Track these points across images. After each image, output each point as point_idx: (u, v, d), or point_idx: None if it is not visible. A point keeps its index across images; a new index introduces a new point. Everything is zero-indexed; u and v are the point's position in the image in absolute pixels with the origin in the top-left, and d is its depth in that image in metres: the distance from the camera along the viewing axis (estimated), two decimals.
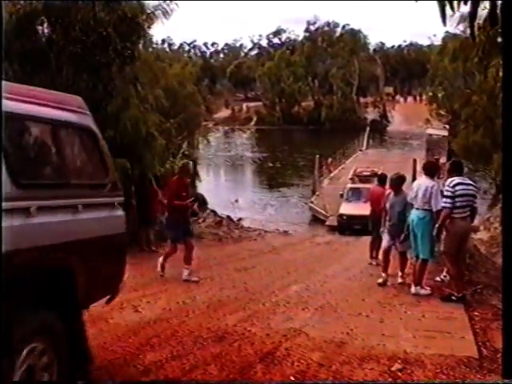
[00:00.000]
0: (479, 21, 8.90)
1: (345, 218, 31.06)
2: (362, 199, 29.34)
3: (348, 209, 31.22)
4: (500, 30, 5.25)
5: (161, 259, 12.38)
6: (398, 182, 11.85)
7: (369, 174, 35.21)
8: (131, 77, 16.83)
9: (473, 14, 5.43)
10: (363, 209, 28.29)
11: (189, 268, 12.02)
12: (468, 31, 8.02)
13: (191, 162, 12.06)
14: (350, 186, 34.16)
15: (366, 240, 14.92)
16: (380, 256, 13.03)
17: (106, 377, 6.19)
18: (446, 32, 48.50)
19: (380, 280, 11.58)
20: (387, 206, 11.77)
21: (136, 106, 16.37)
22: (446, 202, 9.77)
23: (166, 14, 17.40)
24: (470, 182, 10.26)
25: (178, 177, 12.54)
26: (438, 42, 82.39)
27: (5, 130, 4.38)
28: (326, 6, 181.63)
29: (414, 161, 42.03)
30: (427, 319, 8.90)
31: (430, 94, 58.10)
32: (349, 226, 30.14)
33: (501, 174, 24.48)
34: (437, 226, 9.99)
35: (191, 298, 10.12)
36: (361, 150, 66.43)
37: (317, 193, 41.11)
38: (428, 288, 10.76)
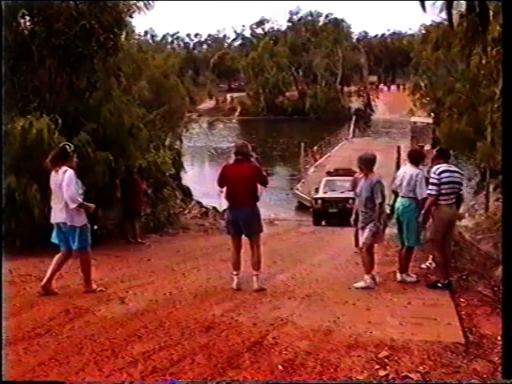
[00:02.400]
0: (461, 8, 8.97)
1: (319, 201, 30.04)
2: (339, 190, 28.82)
3: (323, 194, 30.41)
4: (477, 17, 5.28)
5: (235, 277, 10.27)
6: (367, 162, 10.52)
7: (347, 168, 34.10)
8: (114, 68, 16.77)
9: (449, 2, 5.46)
10: (340, 194, 28.17)
11: (259, 274, 10.27)
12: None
13: (247, 143, 10.76)
14: (326, 179, 32.82)
15: (352, 229, 14.94)
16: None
17: (94, 369, 6.19)
18: (422, 25, 48.88)
19: (361, 284, 10.32)
20: (357, 191, 10.75)
21: (118, 97, 16.33)
22: (431, 190, 9.83)
23: (147, 5, 17.36)
24: (456, 169, 10.33)
25: (235, 160, 10.16)
26: (417, 31, 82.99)
27: None
28: None
29: (398, 147, 42.39)
30: (413, 306, 8.93)
31: (412, 83, 58.22)
32: (324, 211, 29.35)
33: (486, 162, 24.66)
34: (422, 212, 10.05)
35: (178, 289, 10.09)
36: (346, 139, 66.73)
37: (302, 180, 41.37)
38: (414, 275, 10.81)
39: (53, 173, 9.35)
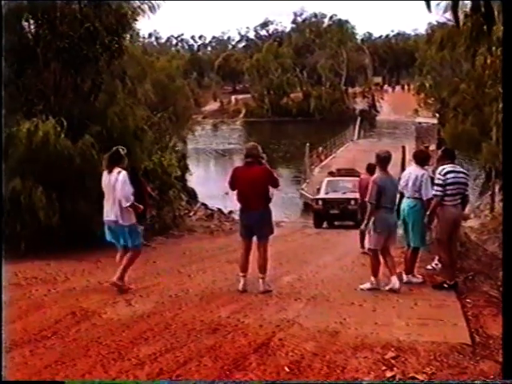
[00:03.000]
0: (466, 8, 8.95)
1: (320, 202, 28.50)
2: (341, 191, 27.92)
3: (324, 195, 29.01)
4: (482, 17, 5.26)
5: (241, 278, 10.16)
6: (382, 159, 10.33)
7: (350, 168, 32.98)
8: (119, 71, 16.78)
9: (455, 1, 5.44)
10: (342, 195, 27.74)
11: (264, 277, 10.18)
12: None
13: (256, 144, 10.66)
14: (327, 179, 31.19)
15: (356, 230, 14.91)
16: None
17: (101, 371, 6.19)
18: (429, 23, 49.06)
19: (368, 285, 10.31)
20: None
21: (123, 100, 16.33)
22: (436, 190, 9.81)
23: (152, 8, 17.36)
24: (462, 170, 10.30)
25: (246, 162, 10.12)
26: (422, 32, 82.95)
27: None
28: None
29: (403, 148, 42.29)
30: (420, 307, 8.92)
31: (418, 83, 58.24)
32: (326, 212, 28.09)
33: (491, 162, 24.56)
34: (428, 213, 10.03)
35: (184, 290, 10.09)
36: (352, 140, 66.57)
37: (307, 180, 41.35)
38: (420, 276, 10.80)
39: (105, 174, 9.88)
